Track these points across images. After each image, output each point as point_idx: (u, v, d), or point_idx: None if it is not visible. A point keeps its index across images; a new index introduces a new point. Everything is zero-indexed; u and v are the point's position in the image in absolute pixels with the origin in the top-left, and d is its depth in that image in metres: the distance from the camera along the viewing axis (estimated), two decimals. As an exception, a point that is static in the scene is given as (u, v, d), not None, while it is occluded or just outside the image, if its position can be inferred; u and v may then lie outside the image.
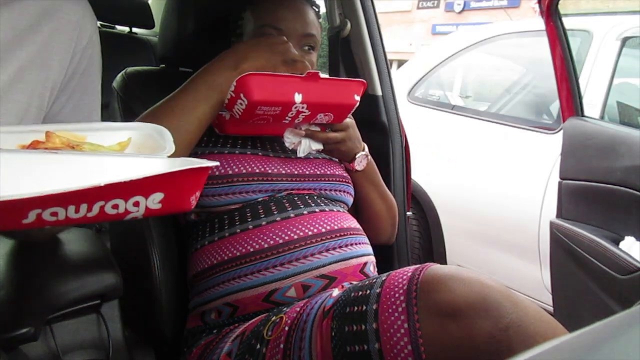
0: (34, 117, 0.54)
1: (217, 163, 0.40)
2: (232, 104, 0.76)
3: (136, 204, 0.32)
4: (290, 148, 0.86)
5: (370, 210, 1.00)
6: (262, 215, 0.81)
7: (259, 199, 0.83)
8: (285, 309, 0.73)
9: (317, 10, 0.94)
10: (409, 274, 0.63)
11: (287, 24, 0.86)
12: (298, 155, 0.87)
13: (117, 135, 0.46)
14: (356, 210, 0.99)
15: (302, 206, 0.83)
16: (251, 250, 0.78)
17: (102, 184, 0.30)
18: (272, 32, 0.86)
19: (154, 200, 0.33)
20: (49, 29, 0.54)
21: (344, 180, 0.93)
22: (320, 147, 0.87)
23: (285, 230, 0.80)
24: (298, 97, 0.76)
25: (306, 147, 0.86)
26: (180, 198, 0.34)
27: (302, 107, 0.78)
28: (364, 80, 0.85)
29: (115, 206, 0.32)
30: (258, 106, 0.74)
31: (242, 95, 0.73)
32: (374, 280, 0.66)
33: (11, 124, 0.50)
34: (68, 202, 0.30)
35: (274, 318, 0.71)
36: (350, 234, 0.85)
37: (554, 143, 1.75)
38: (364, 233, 0.89)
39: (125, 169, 0.33)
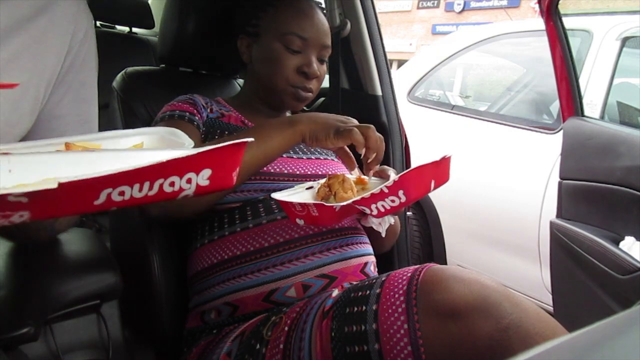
0: (30, 107, 0.54)
1: (252, 139, 0.41)
2: (376, 200, 0.67)
3: (189, 180, 0.34)
4: (374, 227, 0.80)
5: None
6: (263, 214, 0.81)
7: (260, 198, 0.83)
8: (285, 309, 0.73)
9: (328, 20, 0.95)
10: (409, 275, 0.63)
11: (310, 34, 0.88)
12: (382, 235, 0.81)
13: (130, 140, 0.47)
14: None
15: (302, 206, 0.83)
16: (251, 249, 0.78)
17: (164, 160, 0.32)
18: (297, 40, 0.88)
19: (203, 177, 0.35)
20: (45, 21, 0.54)
21: None
22: (393, 220, 0.82)
23: (286, 229, 0.80)
24: (432, 185, 0.70)
25: (386, 222, 0.81)
26: (224, 174, 0.36)
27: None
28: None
29: (172, 184, 0.34)
30: (411, 202, 0.67)
31: (400, 192, 0.65)
32: (374, 281, 0.66)
33: (5, 110, 0.50)
34: (135, 180, 0.32)
35: (273, 318, 0.71)
36: (351, 234, 0.85)
37: (554, 143, 1.75)
38: (364, 233, 0.89)
39: (164, 158, 0.36)
